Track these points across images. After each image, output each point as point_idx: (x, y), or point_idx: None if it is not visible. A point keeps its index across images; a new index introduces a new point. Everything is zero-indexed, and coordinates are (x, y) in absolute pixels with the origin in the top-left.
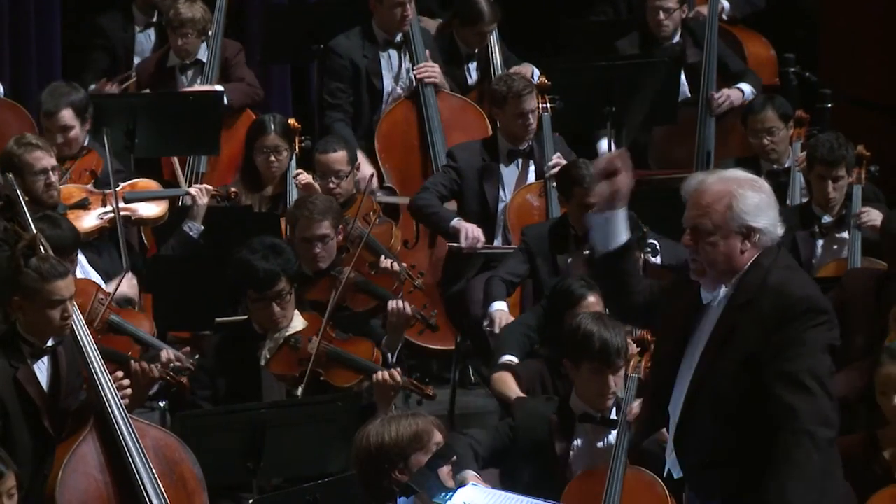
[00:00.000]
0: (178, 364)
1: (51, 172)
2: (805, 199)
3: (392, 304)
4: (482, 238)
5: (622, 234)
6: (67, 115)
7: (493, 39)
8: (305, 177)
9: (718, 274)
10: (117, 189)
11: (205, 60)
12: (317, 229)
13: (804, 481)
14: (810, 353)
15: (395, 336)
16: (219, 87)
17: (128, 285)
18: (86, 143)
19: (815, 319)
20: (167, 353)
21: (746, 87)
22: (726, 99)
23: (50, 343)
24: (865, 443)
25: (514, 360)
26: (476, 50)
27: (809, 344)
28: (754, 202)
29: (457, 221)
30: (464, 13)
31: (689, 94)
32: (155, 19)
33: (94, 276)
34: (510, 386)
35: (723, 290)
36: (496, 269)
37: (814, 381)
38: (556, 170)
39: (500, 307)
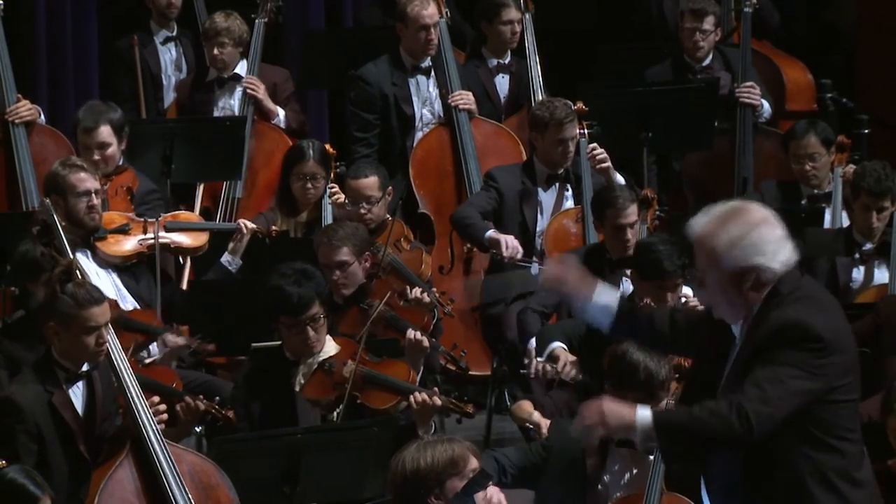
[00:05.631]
0: (181, 344)
1: (94, 195)
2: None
3: (409, 333)
4: (520, 248)
5: (610, 305)
6: (105, 132)
7: (529, 41)
8: (341, 196)
9: (726, 313)
10: (159, 219)
11: (242, 75)
12: (335, 256)
13: (695, 421)
14: (783, 366)
15: (414, 362)
16: (280, 110)
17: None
18: (121, 161)
19: (803, 344)
20: (170, 337)
21: (766, 104)
22: (752, 93)
23: (85, 368)
24: None
25: (562, 345)
26: (507, 59)
27: (786, 360)
28: (738, 242)
29: (492, 232)
30: (486, 8)
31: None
32: (174, 33)
33: (130, 300)
34: (526, 409)
35: (740, 326)
36: (528, 301)
37: (772, 385)
38: (599, 155)
39: (558, 345)
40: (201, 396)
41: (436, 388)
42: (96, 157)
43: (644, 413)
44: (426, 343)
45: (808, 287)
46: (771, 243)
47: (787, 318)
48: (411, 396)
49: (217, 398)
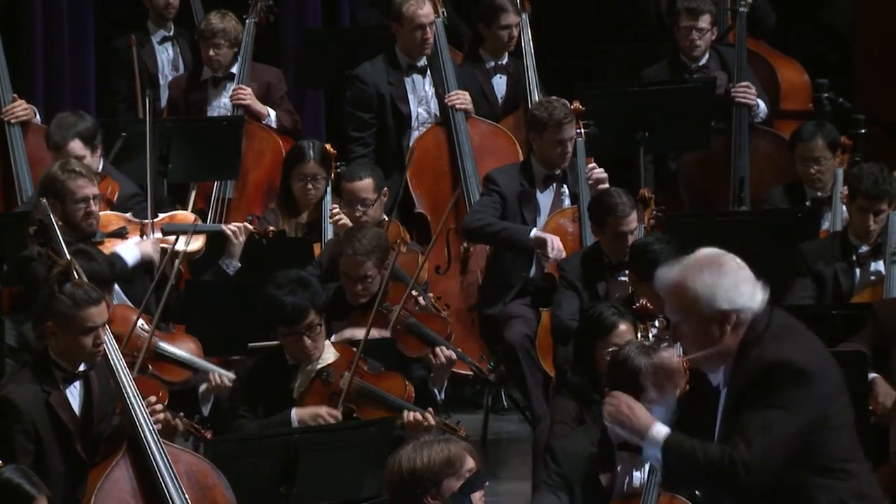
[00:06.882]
0: (226, 385)
1: (91, 201)
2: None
3: (440, 352)
4: (564, 251)
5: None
6: (77, 146)
7: (525, 41)
8: (345, 221)
9: (704, 363)
10: (155, 221)
11: (235, 73)
12: (359, 270)
13: (696, 458)
14: (771, 410)
15: (441, 377)
16: (271, 111)
17: (152, 248)
18: (100, 168)
19: (788, 382)
20: (214, 376)
21: (762, 104)
22: (748, 93)
23: (82, 368)
24: None
25: None
26: (504, 60)
27: (773, 403)
28: (718, 286)
29: (537, 231)
30: (484, 11)
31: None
32: (172, 33)
33: (127, 303)
34: None
35: (722, 374)
36: (558, 313)
37: (761, 434)
38: (596, 177)
39: None
40: (181, 414)
41: (431, 409)
42: None
43: (659, 430)
44: (455, 357)
45: (779, 320)
46: (748, 284)
47: (767, 359)
48: (404, 414)
49: (197, 416)
